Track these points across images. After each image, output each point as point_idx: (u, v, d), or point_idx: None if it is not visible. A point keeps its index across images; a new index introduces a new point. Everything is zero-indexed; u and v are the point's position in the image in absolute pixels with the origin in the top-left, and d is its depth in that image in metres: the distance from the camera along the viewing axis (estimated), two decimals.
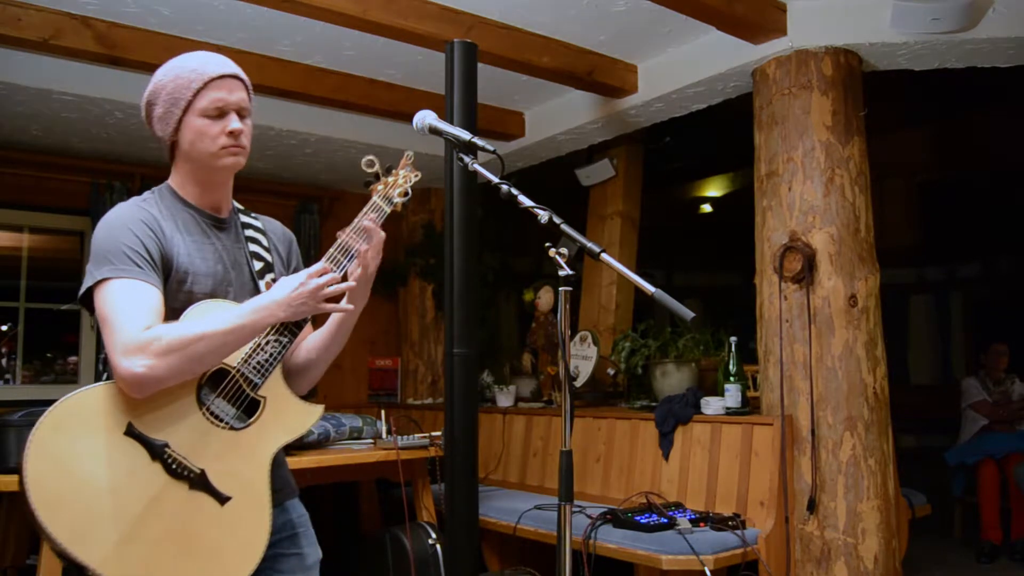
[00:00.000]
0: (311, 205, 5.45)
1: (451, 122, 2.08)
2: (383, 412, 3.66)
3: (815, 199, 3.30)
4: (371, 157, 1.70)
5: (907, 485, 3.57)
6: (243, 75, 1.64)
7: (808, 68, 3.35)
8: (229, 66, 1.61)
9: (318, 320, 1.67)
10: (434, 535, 3.38)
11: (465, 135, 1.64)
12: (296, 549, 1.71)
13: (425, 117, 1.71)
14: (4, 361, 4.82)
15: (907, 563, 3.40)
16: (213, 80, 1.57)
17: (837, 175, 3.30)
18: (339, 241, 1.61)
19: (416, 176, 1.74)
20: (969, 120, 6.03)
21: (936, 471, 5.23)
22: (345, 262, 1.60)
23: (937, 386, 8.30)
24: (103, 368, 1.37)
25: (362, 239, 1.61)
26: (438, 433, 3.47)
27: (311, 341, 1.76)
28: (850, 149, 3.33)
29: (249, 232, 1.73)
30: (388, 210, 1.67)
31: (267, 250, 1.74)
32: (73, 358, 4.89)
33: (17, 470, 2.68)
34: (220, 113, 1.58)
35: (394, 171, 1.70)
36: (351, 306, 1.62)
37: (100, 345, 4.66)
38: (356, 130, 4.55)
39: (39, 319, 4.85)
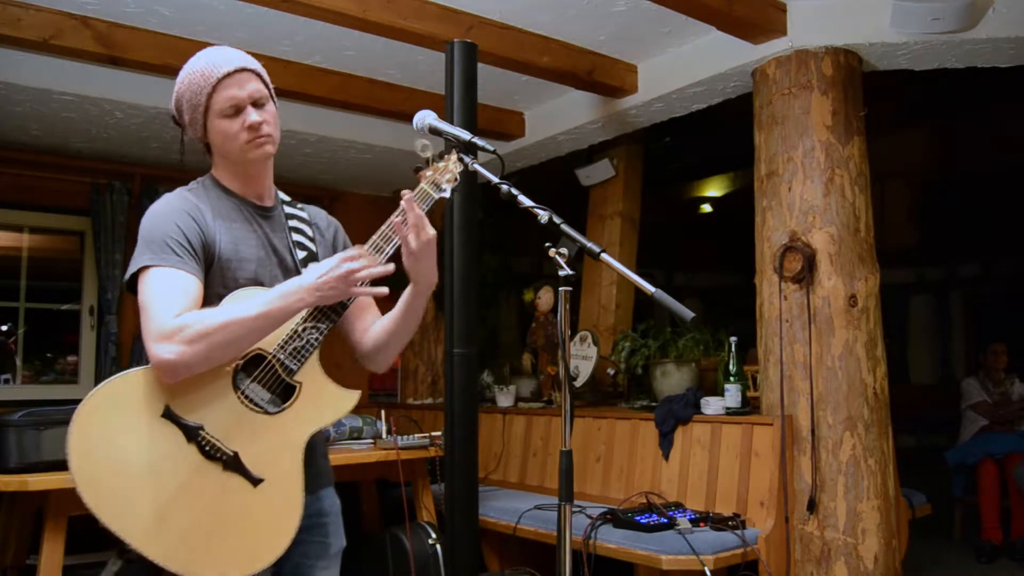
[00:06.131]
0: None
1: (451, 122, 2.08)
2: (383, 412, 3.67)
3: (815, 199, 3.30)
4: (426, 141, 1.64)
5: (907, 485, 3.57)
6: (252, 64, 1.63)
7: (808, 68, 3.35)
8: (235, 60, 1.61)
9: (385, 305, 1.66)
10: (434, 535, 3.38)
11: (465, 135, 1.64)
12: (322, 537, 1.72)
13: (425, 117, 1.71)
14: (18, 360, 4.80)
15: (907, 563, 3.40)
16: (221, 80, 1.57)
17: (837, 175, 3.30)
18: (382, 228, 1.59)
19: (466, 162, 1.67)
20: (969, 120, 6.03)
21: (936, 471, 5.23)
22: (388, 249, 1.58)
23: (937, 386, 8.31)
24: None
25: (406, 225, 1.57)
26: (438, 433, 3.47)
27: (381, 324, 1.76)
28: (850, 149, 3.33)
29: (293, 222, 1.75)
30: (436, 196, 1.63)
31: (311, 239, 1.76)
32: (73, 358, 4.88)
33: (19, 469, 2.69)
34: (236, 110, 1.60)
35: (446, 156, 1.66)
36: (384, 290, 1.58)
37: (102, 343, 4.68)
38: (356, 130, 4.55)
39: (39, 319, 4.85)
